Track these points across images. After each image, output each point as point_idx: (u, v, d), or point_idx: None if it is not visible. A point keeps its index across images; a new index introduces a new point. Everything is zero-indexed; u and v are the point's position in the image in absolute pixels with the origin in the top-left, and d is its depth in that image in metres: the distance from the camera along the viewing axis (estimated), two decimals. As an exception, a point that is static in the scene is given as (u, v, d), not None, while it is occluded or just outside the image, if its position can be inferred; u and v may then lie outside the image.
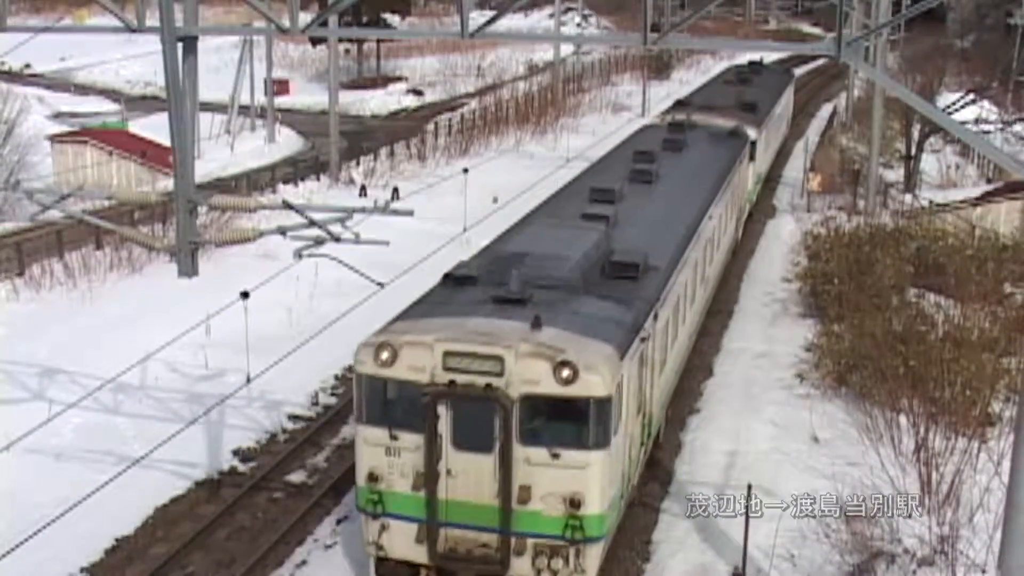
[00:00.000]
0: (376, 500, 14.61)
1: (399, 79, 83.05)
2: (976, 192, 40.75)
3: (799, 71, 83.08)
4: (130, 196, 28.55)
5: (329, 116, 47.25)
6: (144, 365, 22.22)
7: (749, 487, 16.08)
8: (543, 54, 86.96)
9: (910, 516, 17.05)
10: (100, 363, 22.21)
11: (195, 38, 14.73)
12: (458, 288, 16.16)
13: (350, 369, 16.38)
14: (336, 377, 24.47)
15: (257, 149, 55.47)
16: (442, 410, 14.12)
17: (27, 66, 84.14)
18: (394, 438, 14.44)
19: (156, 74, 62.28)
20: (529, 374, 13.82)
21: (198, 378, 23.72)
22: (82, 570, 16.94)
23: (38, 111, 59.93)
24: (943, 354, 20.67)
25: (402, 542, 14.66)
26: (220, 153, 53.16)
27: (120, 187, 43.74)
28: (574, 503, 14.01)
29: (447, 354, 14.04)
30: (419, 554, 14.60)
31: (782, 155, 50.53)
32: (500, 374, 13.86)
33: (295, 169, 49.50)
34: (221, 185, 44.61)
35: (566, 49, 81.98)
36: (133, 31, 14.23)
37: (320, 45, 72.57)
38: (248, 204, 16.73)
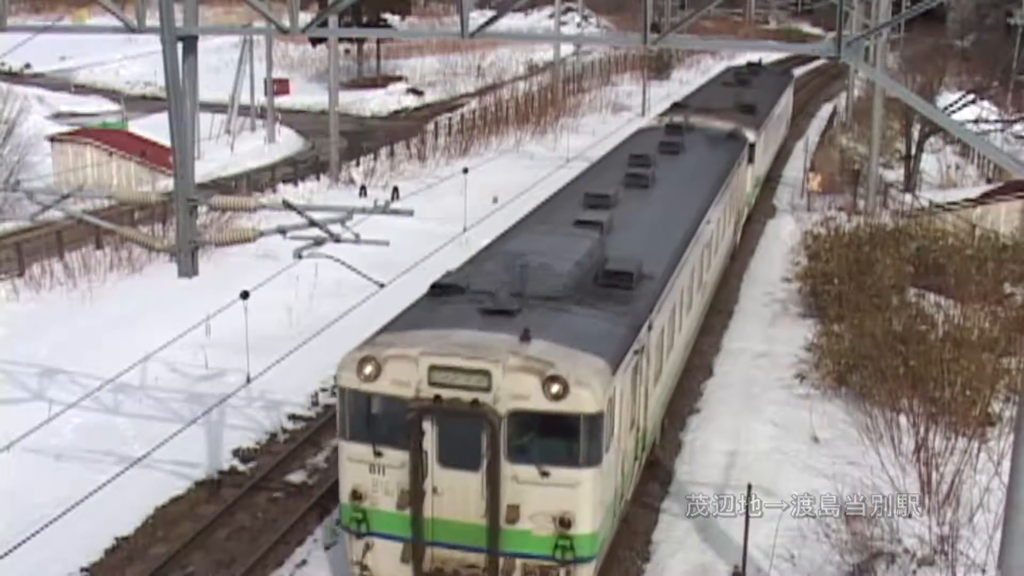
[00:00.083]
0: (360, 518, 14.24)
1: (399, 79, 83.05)
2: (976, 192, 40.76)
3: (799, 71, 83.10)
4: (130, 196, 28.52)
5: (329, 116, 47.24)
6: (144, 365, 22.24)
7: (749, 487, 16.08)
8: (543, 54, 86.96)
9: (910, 516, 17.07)
10: (100, 363, 22.22)
11: (195, 38, 14.74)
12: (445, 299, 15.69)
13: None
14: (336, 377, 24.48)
15: (257, 149, 55.46)
16: (427, 426, 13.70)
17: (27, 66, 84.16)
18: (378, 455, 14.04)
19: (156, 74, 62.30)
20: (517, 389, 13.40)
21: (198, 378, 23.72)
22: (82, 570, 16.93)
23: (38, 111, 59.92)
24: (943, 354, 20.68)
25: (387, 562, 14.25)
26: (220, 153, 53.15)
27: (120, 187, 43.72)
28: (564, 522, 13.58)
29: (432, 368, 13.59)
30: (404, 574, 14.19)
31: (782, 155, 50.51)
32: (487, 389, 13.42)
33: (295, 169, 49.48)
34: (221, 185, 44.61)
35: (566, 49, 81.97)
36: (133, 31, 14.24)
37: (320, 45, 72.57)
38: (248, 204, 16.73)
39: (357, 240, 14.67)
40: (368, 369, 13.84)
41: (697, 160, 27.92)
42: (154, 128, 46.39)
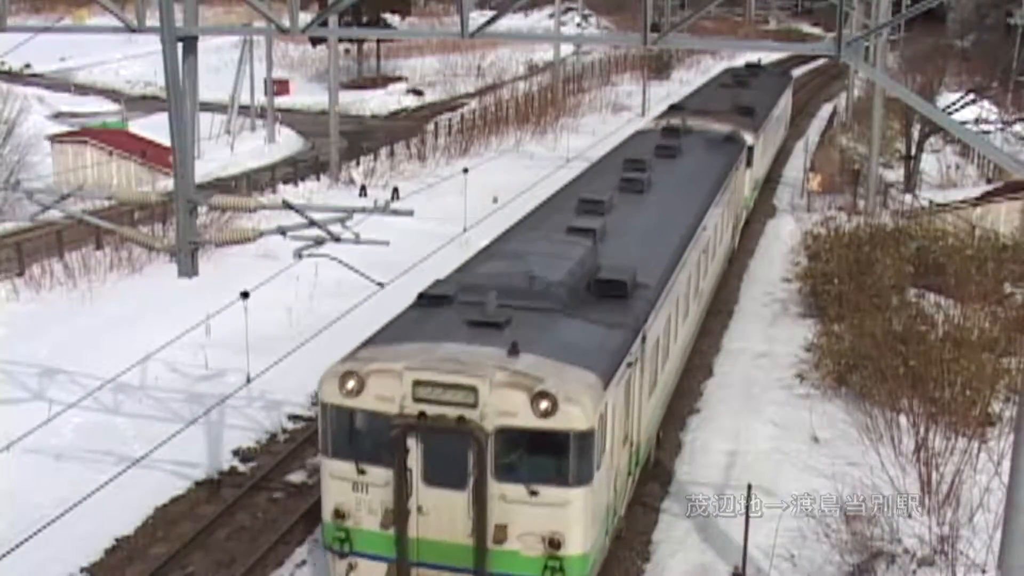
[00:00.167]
0: (343, 538, 13.86)
1: (399, 79, 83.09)
2: (976, 192, 40.75)
3: (799, 71, 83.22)
4: (130, 196, 28.52)
5: (329, 116, 47.26)
6: (144, 365, 22.23)
7: (749, 487, 16.08)
8: (543, 54, 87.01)
9: (910, 516, 17.07)
10: (100, 363, 22.22)
11: (195, 38, 14.74)
12: (432, 309, 15.30)
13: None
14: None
15: (257, 149, 55.47)
16: (412, 443, 13.28)
17: (27, 66, 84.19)
18: (361, 472, 13.62)
19: (156, 74, 62.29)
20: (505, 406, 12.97)
21: (198, 378, 23.72)
22: (82, 570, 16.94)
23: (38, 111, 59.96)
24: (943, 354, 20.68)
25: None
26: (220, 153, 53.17)
27: (120, 187, 43.73)
28: (554, 543, 13.18)
29: (417, 383, 13.18)
30: None
31: (781, 156, 50.50)
32: (474, 405, 13.00)
33: (295, 169, 49.50)
34: (221, 185, 44.62)
35: (566, 49, 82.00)
36: (133, 31, 14.24)
37: (320, 45, 72.59)
38: (248, 204, 16.72)
39: (357, 240, 14.65)
40: (350, 384, 13.45)
41: (694, 164, 27.51)
42: (154, 128, 46.47)
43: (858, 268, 27.38)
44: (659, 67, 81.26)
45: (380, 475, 13.52)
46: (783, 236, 37.28)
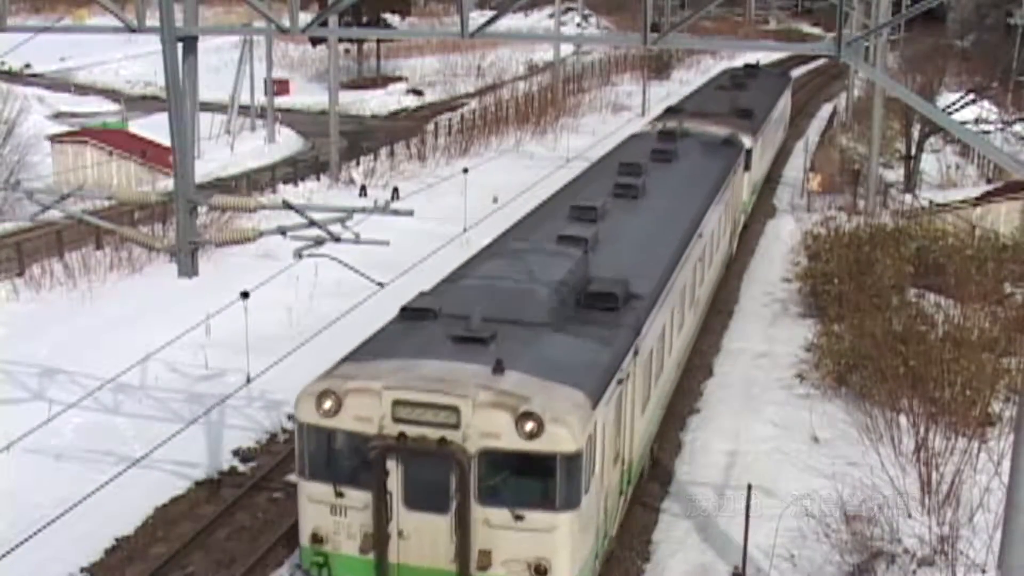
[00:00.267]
0: (321, 563, 13.38)
1: (399, 79, 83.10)
2: (976, 192, 40.75)
3: (799, 71, 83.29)
4: (130, 196, 28.49)
5: (329, 116, 47.27)
6: (144, 365, 22.24)
7: (749, 487, 16.08)
8: (543, 54, 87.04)
9: (910, 516, 17.08)
10: (100, 363, 22.24)
11: (195, 38, 14.75)
12: (415, 323, 14.76)
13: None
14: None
15: (257, 149, 55.47)
16: (392, 465, 12.77)
17: (27, 66, 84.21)
18: (340, 495, 13.13)
19: (156, 74, 62.29)
20: (488, 427, 12.46)
21: (198, 378, 23.73)
22: (82, 570, 16.94)
23: (38, 111, 59.95)
24: (943, 354, 20.69)
25: None
26: (220, 153, 53.17)
27: (120, 187, 43.70)
28: (540, 570, 12.67)
29: (396, 403, 12.68)
30: None
31: (781, 155, 50.49)
32: (456, 426, 12.50)
33: (295, 169, 49.52)
34: (221, 185, 44.64)
35: (566, 49, 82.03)
36: (133, 31, 14.25)
37: (320, 45, 72.60)
38: (248, 204, 16.72)
39: (357, 240, 14.65)
40: (328, 404, 12.96)
41: (691, 168, 27.00)
42: (154, 128, 46.45)
43: (858, 268, 27.38)
44: (659, 67, 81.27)
45: (359, 498, 13.03)
46: (783, 236, 37.29)
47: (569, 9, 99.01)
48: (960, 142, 50.65)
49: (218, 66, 67.94)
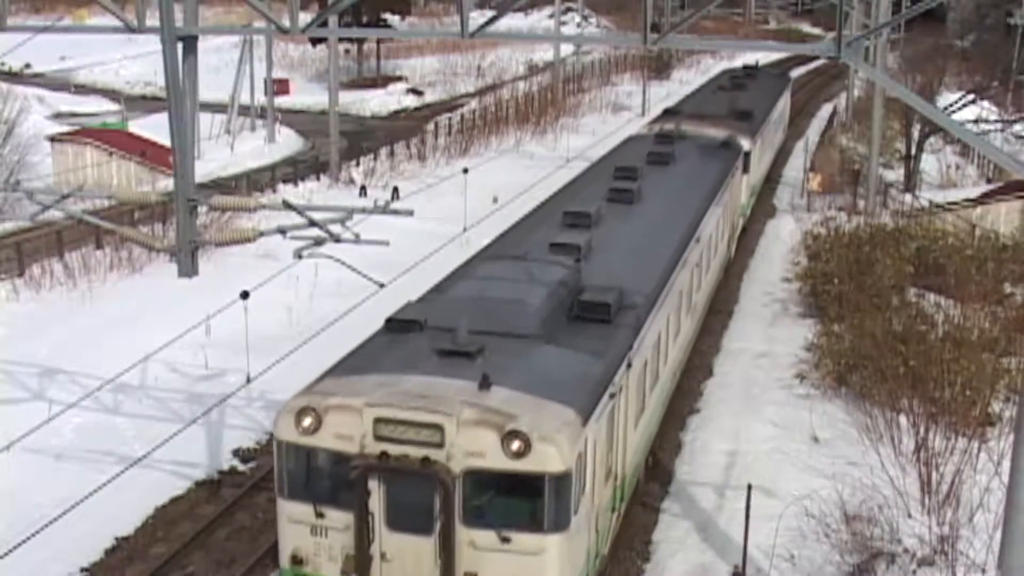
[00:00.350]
0: None
1: (399, 79, 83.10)
2: (976, 192, 40.77)
3: (799, 71, 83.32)
4: (130, 196, 28.51)
5: (329, 116, 47.27)
6: (144, 365, 22.25)
7: (749, 487, 16.07)
8: (543, 54, 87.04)
9: (910, 516, 17.08)
10: (100, 363, 22.25)
11: (195, 38, 14.75)
12: (401, 336, 14.25)
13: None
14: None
15: (257, 149, 55.48)
16: (374, 485, 12.31)
17: (27, 66, 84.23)
18: (320, 516, 12.70)
19: (156, 74, 62.33)
20: (473, 445, 11.97)
21: (198, 378, 23.73)
22: (82, 570, 16.94)
23: (38, 111, 59.94)
24: (943, 354, 20.69)
25: None
26: (220, 153, 53.17)
27: (120, 187, 43.72)
28: None
29: (378, 421, 12.20)
30: None
31: (781, 156, 50.47)
32: (440, 445, 12.02)
33: (295, 169, 49.52)
34: (221, 185, 44.64)
35: (566, 49, 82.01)
36: (133, 31, 14.25)
37: (320, 45, 72.60)
38: (248, 204, 16.72)
39: (357, 240, 14.65)
40: (307, 421, 12.50)
41: (688, 171, 26.59)
42: (154, 128, 46.44)
43: (858, 268, 27.39)
44: (659, 67, 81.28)
45: (340, 519, 12.60)
46: (783, 236, 37.30)
47: (569, 9, 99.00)
48: (960, 142, 50.67)
49: (218, 66, 67.94)
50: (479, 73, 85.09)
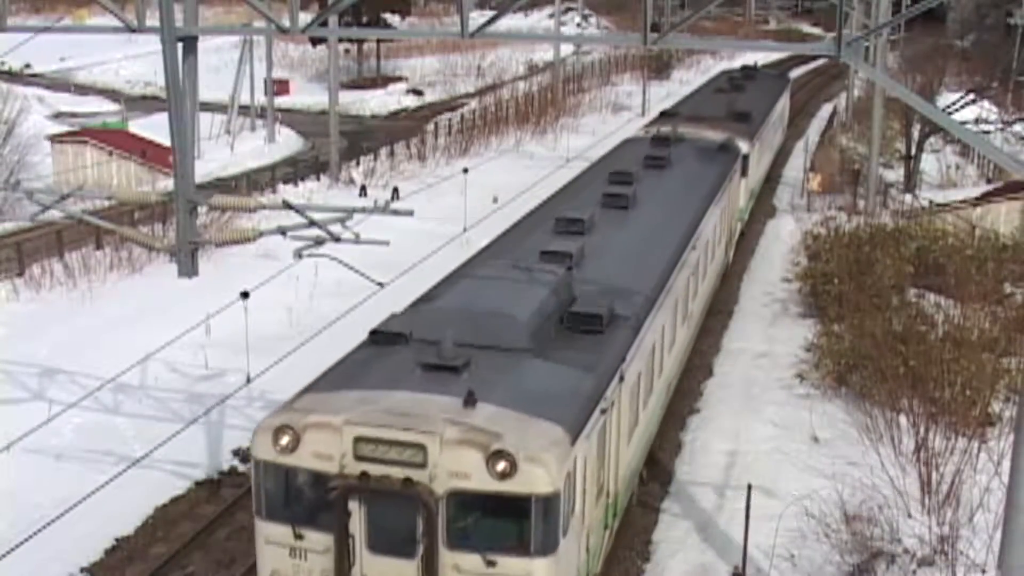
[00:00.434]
0: None
1: (399, 79, 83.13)
2: (976, 192, 40.77)
3: (799, 71, 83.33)
4: (130, 196, 28.53)
5: (329, 116, 47.29)
6: (144, 365, 22.25)
7: (749, 487, 16.07)
8: (543, 54, 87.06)
9: (910, 516, 17.08)
10: (100, 363, 22.25)
11: (195, 38, 14.75)
12: (385, 348, 13.76)
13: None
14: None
15: (257, 149, 55.51)
16: (354, 506, 11.83)
17: (27, 66, 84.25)
18: (299, 537, 12.21)
19: (156, 74, 62.32)
20: (457, 466, 11.48)
21: (198, 378, 23.73)
22: (82, 570, 16.94)
23: (38, 111, 59.99)
24: (943, 354, 20.69)
25: None
26: (220, 153, 53.20)
27: (120, 187, 43.74)
28: None
29: (358, 440, 11.70)
30: None
31: (781, 156, 50.45)
32: (422, 465, 11.51)
33: (295, 169, 49.56)
34: (221, 185, 44.66)
35: (566, 49, 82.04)
36: (133, 31, 14.25)
37: (320, 45, 72.62)
38: (248, 204, 16.73)
39: (357, 240, 14.64)
40: (285, 440, 12.01)
41: (684, 175, 26.05)
42: (154, 128, 46.49)
43: (858, 268, 27.39)
44: (659, 67, 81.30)
45: (319, 540, 12.11)
46: (783, 236, 37.29)
47: (569, 9, 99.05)
48: (960, 142, 50.67)
49: (218, 66, 67.98)
50: (479, 73, 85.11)
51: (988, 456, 17.69)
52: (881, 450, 19.28)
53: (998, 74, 61.26)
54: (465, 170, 34.49)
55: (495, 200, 35.91)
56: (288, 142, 58.22)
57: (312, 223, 14.72)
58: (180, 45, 14.44)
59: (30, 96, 61.05)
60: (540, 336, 14.19)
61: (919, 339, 22.20)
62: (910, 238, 30.77)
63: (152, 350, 21.54)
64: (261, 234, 15.24)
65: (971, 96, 49.60)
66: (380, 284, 17.19)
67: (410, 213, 15.23)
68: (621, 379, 14.76)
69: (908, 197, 42.67)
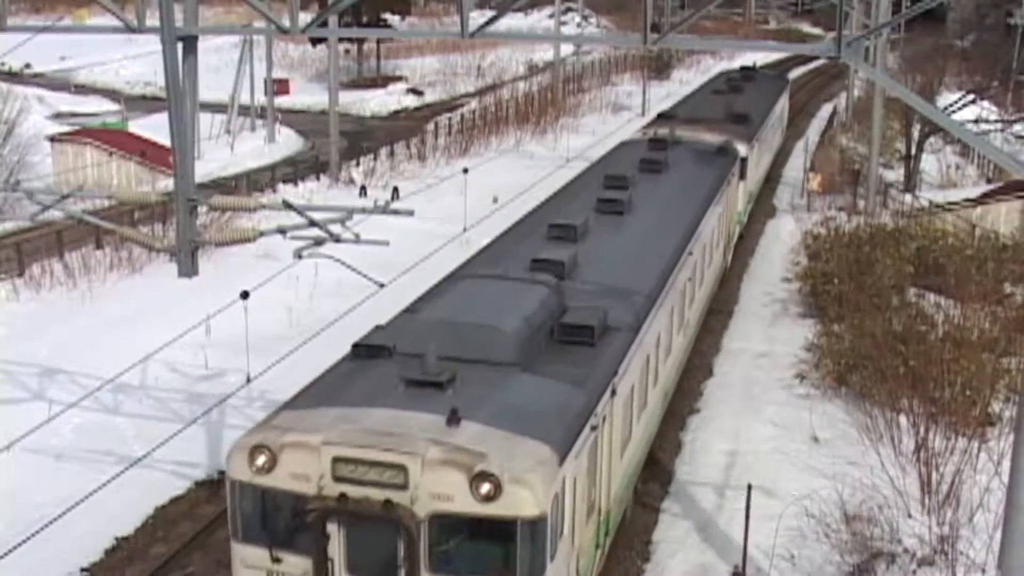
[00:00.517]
0: None
1: (399, 79, 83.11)
2: (976, 192, 40.78)
3: (798, 71, 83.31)
4: (130, 196, 28.50)
5: (329, 116, 47.29)
6: (144, 365, 22.26)
7: (749, 487, 16.07)
8: (543, 54, 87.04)
9: (910, 516, 17.08)
10: (100, 363, 22.25)
11: (195, 38, 14.76)
12: (368, 362, 13.34)
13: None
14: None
15: (257, 149, 55.50)
16: (333, 529, 11.44)
17: (27, 66, 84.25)
18: (276, 560, 11.84)
19: (156, 74, 62.35)
20: (440, 488, 11.02)
21: (198, 378, 23.73)
22: (82, 570, 16.95)
23: (38, 111, 59.98)
24: (943, 354, 20.70)
25: None
26: (220, 153, 53.20)
27: (120, 187, 43.74)
28: None
29: (337, 460, 11.27)
30: None
31: (781, 156, 50.44)
32: (403, 487, 11.07)
33: (295, 169, 49.55)
34: (221, 185, 44.68)
35: (566, 49, 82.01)
36: (133, 31, 14.26)
37: (320, 45, 72.62)
38: (248, 204, 16.73)
39: (357, 240, 14.64)
40: (261, 460, 11.61)
41: (681, 179, 25.52)
42: (154, 128, 46.48)
43: (858, 268, 27.40)
44: (659, 67, 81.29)
45: (297, 564, 11.72)
46: (783, 236, 37.29)
47: (569, 9, 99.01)
48: (960, 142, 50.68)
49: (218, 66, 67.97)
50: (479, 73, 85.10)
51: (988, 456, 17.70)
52: (881, 450, 19.29)
53: (998, 74, 61.24)
54: (465, 170, 34.49)
55: (495, 200, 35.92)
56: (288, 142, 58.22)
57: (312, 223, 14.72)
58: (180, 45, 14.45)
59: (30, 96, 61.02)
60: (528, 349, 13.70)
61: (919, 339, 22.21)
62: (910, 238, 30.79)
63: (152, 350, 21.55)
64: (261, 234, 15.24)
65: (971, 96, 49.59)
66: (380, 284, 17.19)
67: (410, 213, 15.23)
68: (613, 393, 14.29)
69: (908, 197, 42.67)
